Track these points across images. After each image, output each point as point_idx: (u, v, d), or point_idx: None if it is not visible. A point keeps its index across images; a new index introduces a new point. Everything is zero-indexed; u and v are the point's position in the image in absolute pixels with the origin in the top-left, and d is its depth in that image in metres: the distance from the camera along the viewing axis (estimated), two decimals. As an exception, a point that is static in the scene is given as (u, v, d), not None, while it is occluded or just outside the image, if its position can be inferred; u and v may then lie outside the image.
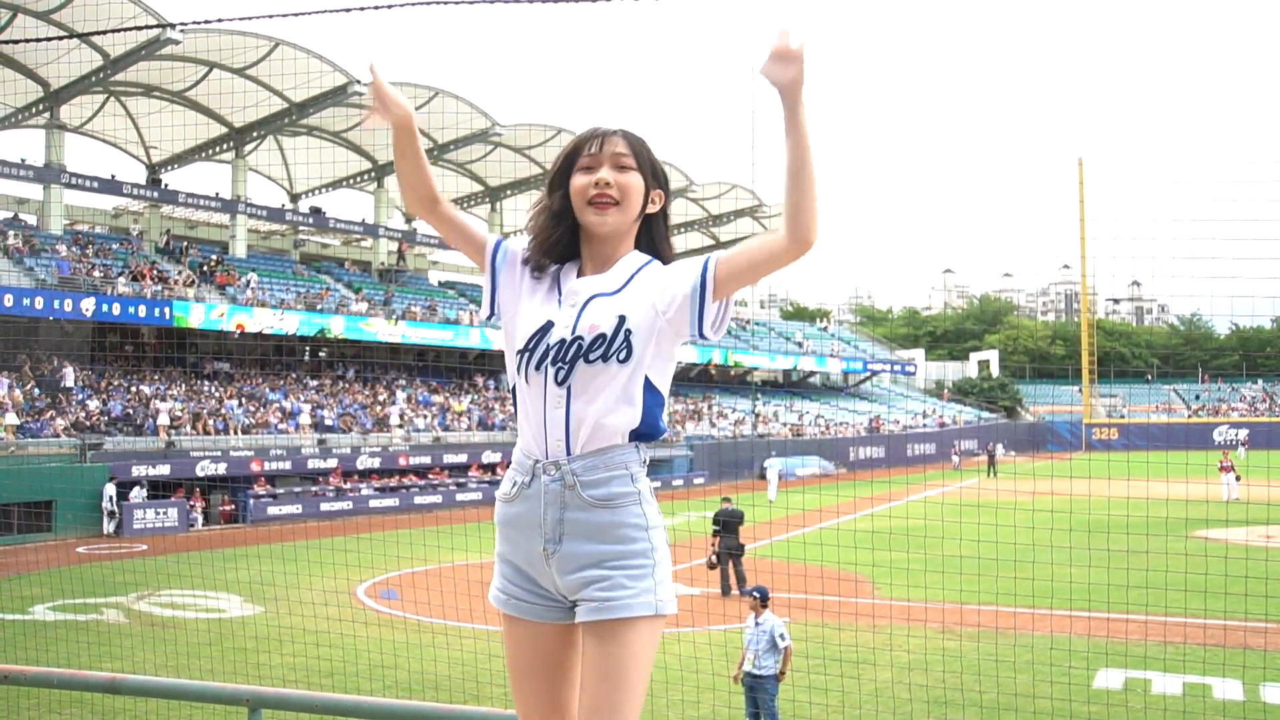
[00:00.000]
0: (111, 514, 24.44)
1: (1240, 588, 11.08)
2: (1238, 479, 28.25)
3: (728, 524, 15.75)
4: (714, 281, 2.25)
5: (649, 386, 2.29)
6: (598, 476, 2.26)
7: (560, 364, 2.25)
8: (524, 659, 2.35)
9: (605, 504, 2.26)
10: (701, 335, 2.29)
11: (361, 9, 6.05)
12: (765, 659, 8.62)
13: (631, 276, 2.33)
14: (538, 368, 2.28)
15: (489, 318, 2.42)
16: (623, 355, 2.24)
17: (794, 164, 2.15)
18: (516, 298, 2.39)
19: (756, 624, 8.77)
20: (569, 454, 2.27)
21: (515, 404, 2.40)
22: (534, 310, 2.33)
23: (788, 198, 2.17)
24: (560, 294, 2.34)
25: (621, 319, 2.25)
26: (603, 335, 2.24)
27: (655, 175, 2.37)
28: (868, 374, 64.85)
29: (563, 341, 2.26)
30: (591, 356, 2.24)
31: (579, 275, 2.37)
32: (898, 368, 67.07)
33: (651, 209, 2.38)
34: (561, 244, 2.38)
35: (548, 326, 2.29)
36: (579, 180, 2.32)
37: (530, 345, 2.29)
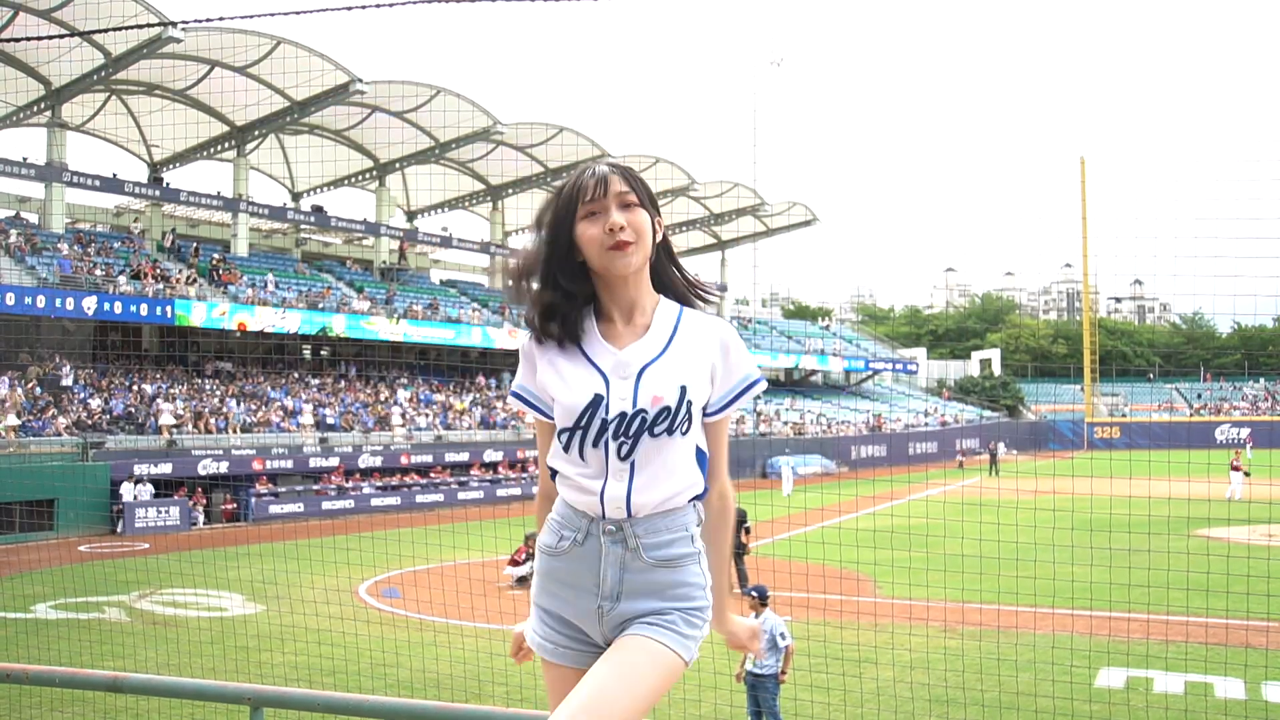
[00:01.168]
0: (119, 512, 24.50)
1: (1242, 586, 11.08)
2: (1246, 475, 28.27)
3: (729, 523, 15.72)
4: (718, 419, 2.33)
5: (699, 452, 2.30)
6: (661, 539, 2.23)
7: (623, 439, 2.18)
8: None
9: (667, 564, 2.23)
10: (705, 414, 2.31)
11: (363, 7, 6.05)
12: (766, 658, 8.62)
13: (673, 334, 2.27)
14: (596, 444, 2.20)
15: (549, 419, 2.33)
16: (685, 428, 2.22)
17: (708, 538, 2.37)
18: (545, 386, 2.29)
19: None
20: (629, 516, 2.22)
21: (550, 471, 2.32)
22: (573, 385, 2.23)
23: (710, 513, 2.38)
24: (592, 363, 2.24)
25: (683, 390, 2.21)
26: (667, 409, 2.19)
27: (654, 205, 2.31)
28: (869, 373, 64.84)
29: (623, 415, 2.18)
30: (656, 430, 2.19)
31: (604, 329, 2.28)
32: (899, 366, 67.05)
33: (658, 237, 2.33)
34: (568, 311, 2.28)
35: (598, 401, 2.20)
36: (588, 230, 2.22)
37: (583, 423, 2.21)
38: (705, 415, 2.29)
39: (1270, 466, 35.54)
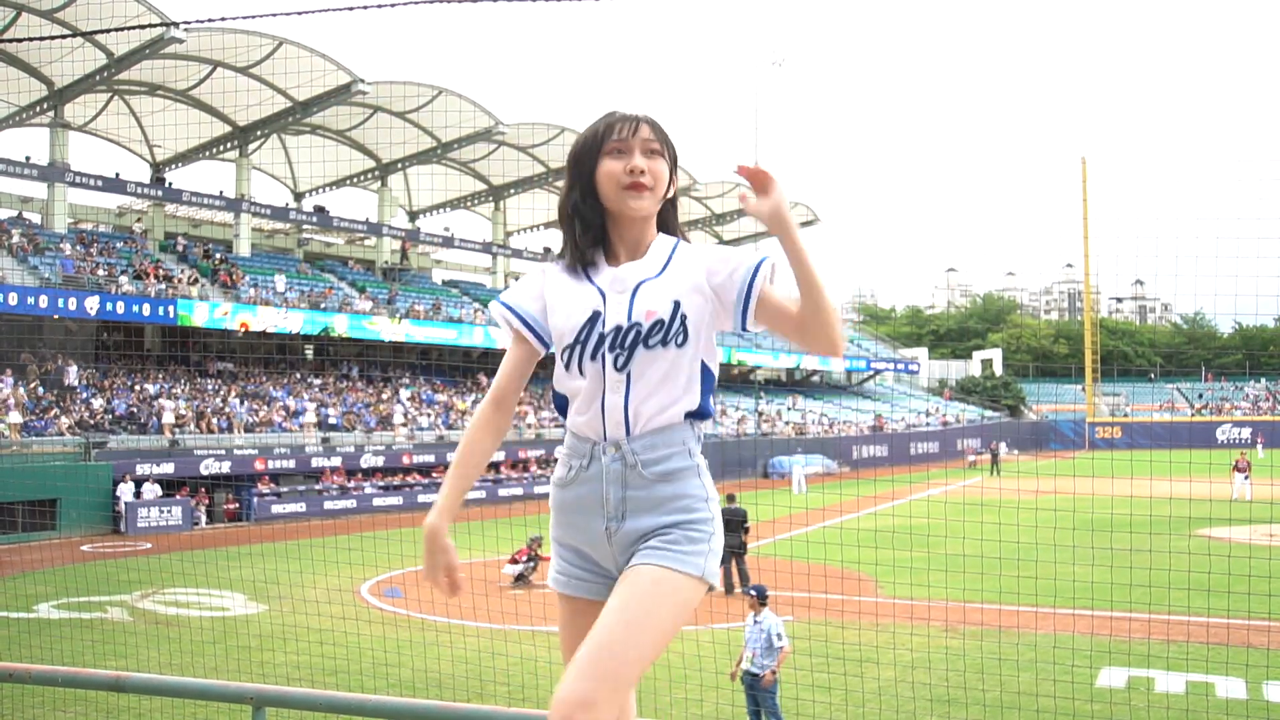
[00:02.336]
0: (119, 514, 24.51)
1: (1243, 586, 11.08)
2: (1246, 478, 28.25)
3: (729, 523, 15.76)
4: (756, 304, 2.29)
5: (704, 369, 2.34)
6: (658, 454, 2.29)
7: (619, 350, 2.27)
8: (582, 636, 2.28)
9: (666, 478, 2.29)
10: (744, 328, 2.33)
11: (365, 7, 6.06)
12: (764, 658, 8.63)
13: (669, 259, 2.37)
14: (594, 357, 2.29)
15: (548, 349, 2.42)
16: (680, 340, 2.28)
17: (804, 289, 2.22)
18: (551, 309, 2.39)
19: (756, 622, 8.78)
20: (629, 434, 2.29)
21: (558, 402, 2.41)
22: (572, 305, 2.33)
23: (804, 309, 2.24)
24: (593, 283, 2.34)
25: (676, 304, 2.29)
26: (660, 321, 2.27)
27: (674, 162, 2.41)
28: (871, 373, 64.81)
29: (619, 328, 2.28)
30: (651, 342, 2.27)
31: (608, 260, 2.38)
32: (901, 366, 67.02)
33: (671, 191, 2.44)
34: (598, 229, 2.39)
35: (595, 317, 2.30)
36: (611, 165, 2.33)
37: (581, 338, 2.30)
38: (743, 326, 2.31)
39: (1271, 467, 35.55)
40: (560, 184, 2.45)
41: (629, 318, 2.28)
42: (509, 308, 2.43)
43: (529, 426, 37.44)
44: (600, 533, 2.32)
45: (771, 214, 2.19)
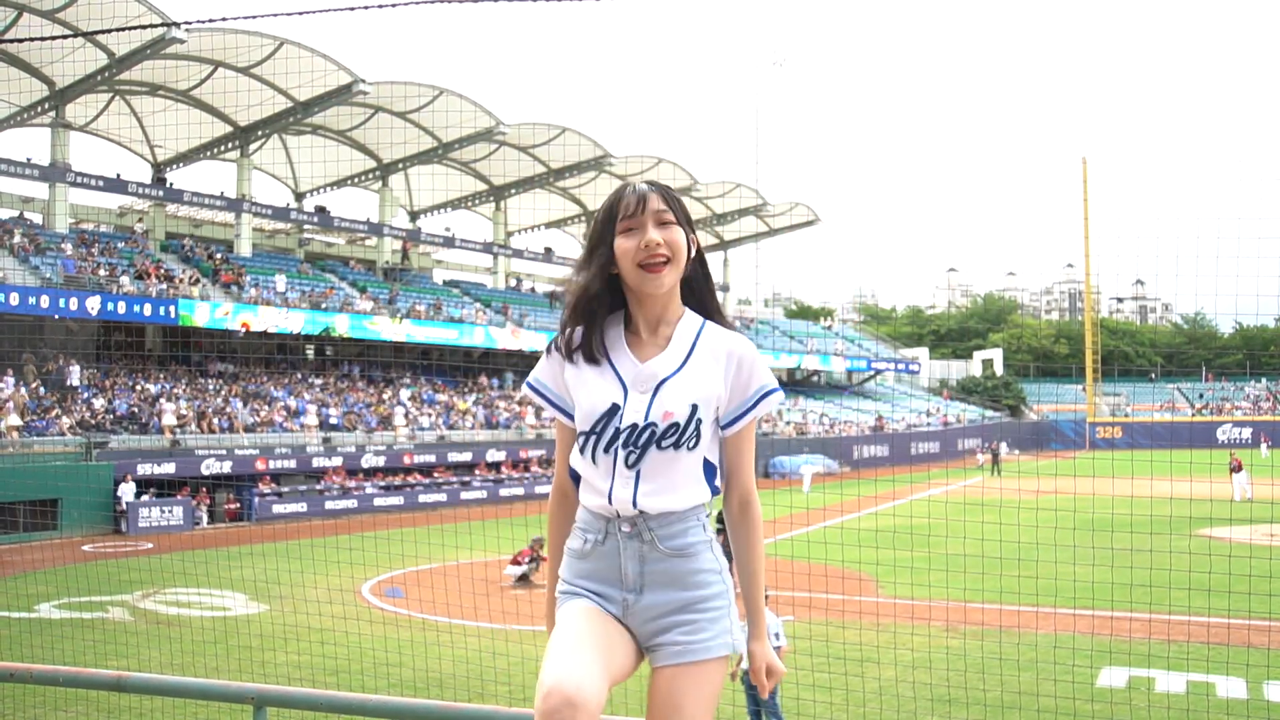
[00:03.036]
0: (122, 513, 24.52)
1: (1244, 586, 11.08)
2: (1238, 472, 28.29)
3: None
4: (753, 418, 2.38)
5: (707, 465, 2.38)
6: (674, 529, 2.34)
7: (632, 449, 2.30)
8: (595, 622, 2.32)
9: (682, 553, 2.35)
10: (722, 430, 2.40)
11: (365, 7, 6.07)
12: None
13: (692, 348, 2.36)
14: (607, 450, 2.32)
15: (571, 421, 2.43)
16: (692, 443, 2.32)
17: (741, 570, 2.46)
18: (573, 388, 2.40)
19: None
20: (641, 514, 2.34)
21: (572, 470, 2.45)
22: (595, 393, 2.34)
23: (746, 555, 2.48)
24: (615, 372, 2.35)
25: (694, 408, 2.31)
26: (676, 425, 2.30)
27: (689, 223, 2.39)
28: (871, 373, 64.80)
29: (634, 426, 2.30)
30: (664, 444, 2.30)
31: (630, 340, 2.38)
32: (901, 366, 67.00)
33: (693, 253, 2.41)
34: (603, 317, 2.39)
35: (614, 410, 2.32)
36: (625, 244, 2.32)
37: (598, 429, 2.32)
38: (722, 429, 2.38)
39: (1272, 467, 35.53)
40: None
41: (646, 417, 2.30)
42: (536, 390, 2.47)
43: (530, 426, 37.46)
44: (619, 601, 2.37)
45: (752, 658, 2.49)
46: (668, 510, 2.33)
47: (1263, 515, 21.78)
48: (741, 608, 2.48)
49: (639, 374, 2.33)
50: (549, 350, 2.45)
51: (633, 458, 2.30)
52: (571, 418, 2.41)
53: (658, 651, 2.34)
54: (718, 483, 2.41)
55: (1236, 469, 28.48)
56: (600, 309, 2.38)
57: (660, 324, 2.38)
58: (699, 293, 2.44)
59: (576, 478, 2.44)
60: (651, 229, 2.31)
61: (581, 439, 2.35)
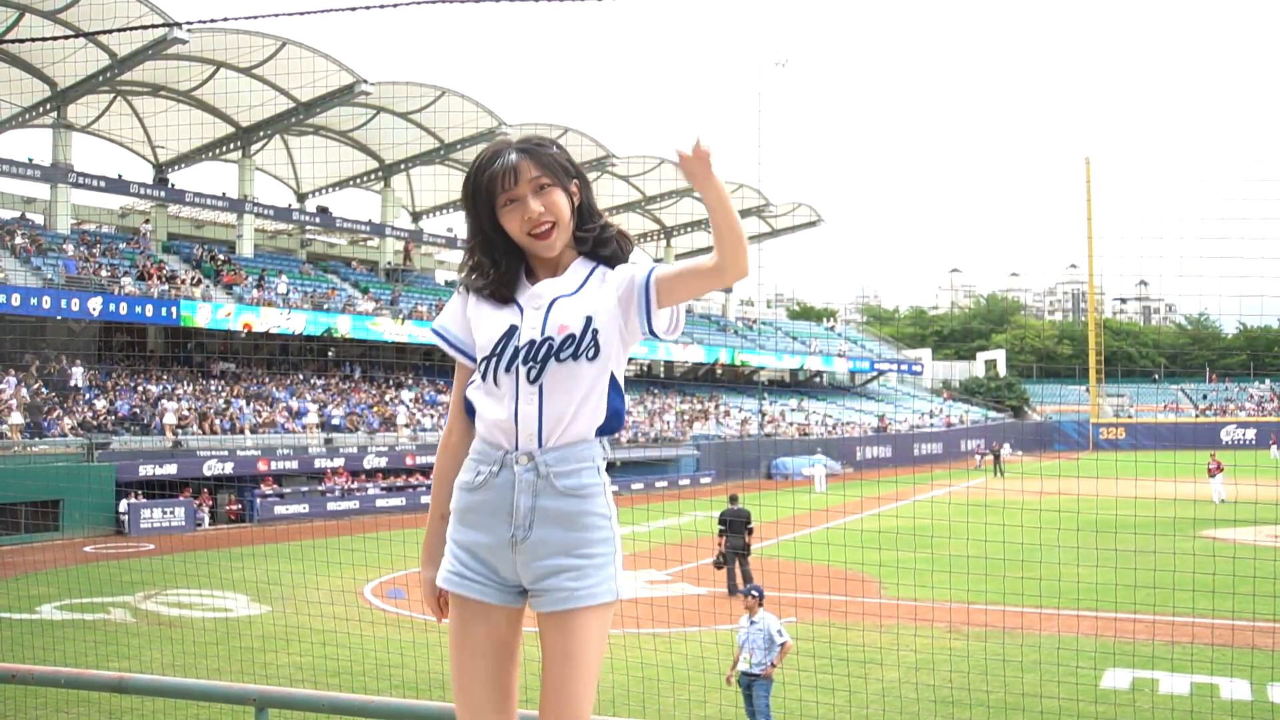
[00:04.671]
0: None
1: (1248, 587, 11.04)
2: (1216, 474, 28.13)
3: (733, 524, 15.74)
4: (656, 292, 2.35)
5: (613, 383, 2.40)
6: (569, 467, 2.35)
7: (531, 363, 2.33)
8: (475, 639, 2.40)
9: (576, 493, 2.35)
10: (652, 333, 2.39)
11: (367, 8, 6.05)
12: (762, 657, 8.62)
13: (586, 278, 2.42)
14: (508, 369, 2.35)
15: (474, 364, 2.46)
16: (591, 354, 2.34)
17: (714, 214, 2.25)
18: (472, 320, 2.46)
19: (752, 623, 8.76)
20: (541, 446, 2.34)
21: (468, 403, 2.45)
22: (492, 320, 2.40)
23: (716, 236, 2.28)
24: (514, 300, 2.41)
25: (589, 319, 2.35)
26: (572, 335, 2.33)
27: (566, 173, 2.41)
28: (874, 373, 64.76)
29: (532, 342, 2.34)
30: (562, 355, 2.33)
31: (529, 279, 2.45)
32: (904, 367, 66.97)
33: (575, 201, 2.43)
34: (512, 271, 2.45)
35: (512, 331, 2.36)
36: (510, 221, 2.38)
37: (497, 350, 2.36)
38: (651, 333, 2.38)
39: (1277, 467, 35.44)
40: (472, 162, 2.46)
41: (542, 332, 2.34)
42: (439, 334, 2.54)
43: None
44: (505, 539, 2.36)
45: (703, 177, 2.19)
46: (569, 435, 2.34)
47: (1267, 517, 21.72)
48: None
49: (532, 293, 2.39)
50: (457, 290, 2.54)
51: (534, 372, 2.32)
52: (473, 359, 2.45)
53: (542, 597, 2.35)
54: (617, 403, 2.41)
55: (1215, 471, 28.37)
56: (501, 266, 2.44)
57: (556, 268, 2.44)
58: (592, 245, 2.45)
59: (473, 413, 2.44)
60: (531, 200, 2.35)
61: (482, 365, 2.38)
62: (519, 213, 2.36)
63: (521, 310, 2.38)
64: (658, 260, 57.53)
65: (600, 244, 2.46)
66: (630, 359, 2.63)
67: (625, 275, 2.40)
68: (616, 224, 2.53)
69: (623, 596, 2.41)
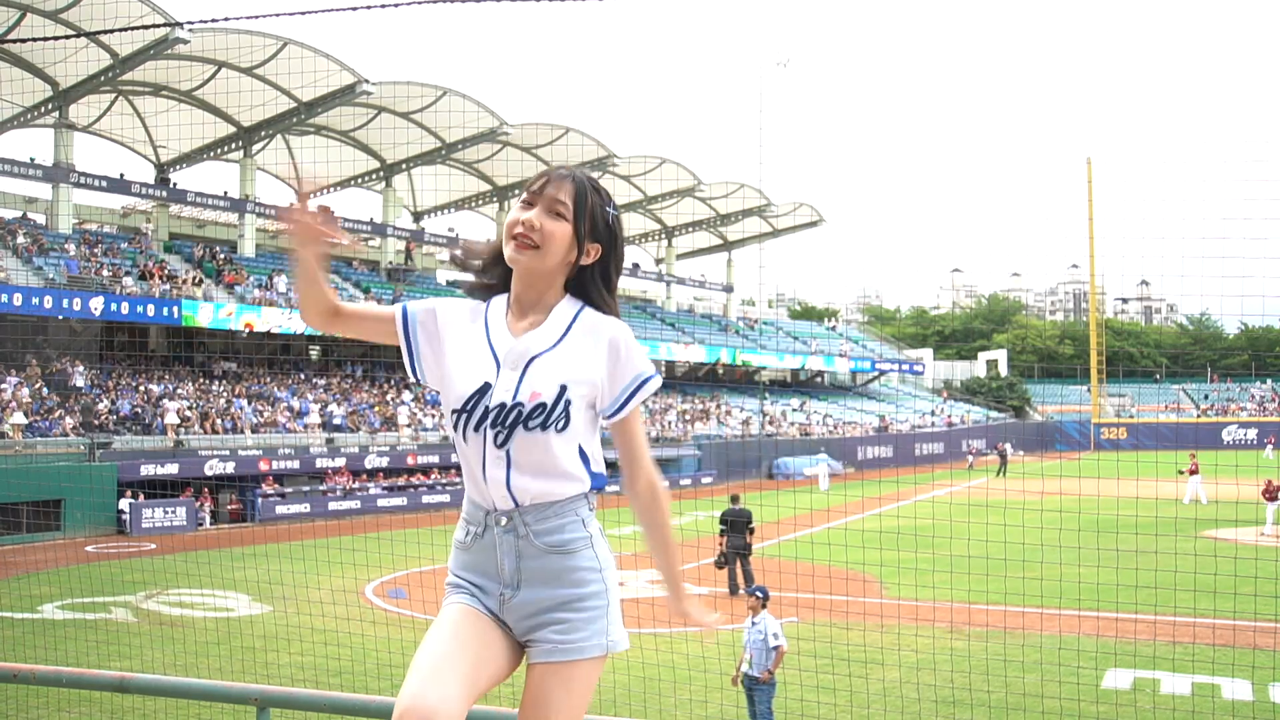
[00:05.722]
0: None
1: (1250, 588, 11.04)
2: (1193, 474, 27.96)
3: (734, 524, 15.73)
4: (637, 403, 2.35)
5: (582, 454, 2.33)
6: (550, 525, 2.31)
7: (500, 428, 2.27)
8: (465, 631, 2.31)
9: (560, 550, 2.31)
10: (608, 419, 2.36)
11: (369, 7, 6.05)
12: (763, 659, 8.62)
13: (568, 329, 2.34)
14: (476, 429, 2.29)
15: (416, 382, 2.42)
16: (560, 426, 2.27)
17: (649, 537, 2.47)
18: (441, 355, 2.39)
19: (753, 624, 8.76)
20: (517, 506, 2.30)
21: (456, 451, 2.41)
22: (468, 369, 2.32)
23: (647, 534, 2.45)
24: (491, 343, 2.34)
25: (563, 389, 2.27)
26: (543, 404, 2.26)
27: (594, 229, 2.35)
28: (876, 373, 64.75)
29: (503, 405, 2.27)
30: (530, 424, 2.26)
31: (509, 316, 2.38)
32: (906, 367, 66.96)
33: (585, 261, 2.37)
34: (497, 272, 2.44)
35: (485, 389, 2.29)
36: (513, 214, 2.35)
37: (468, 407, 2.30)
38: (606, 418, 2.36)
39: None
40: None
41: (514, 396, 2.27)
42: (405, 316, 2.44)
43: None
44: (496, 596, 2.35)
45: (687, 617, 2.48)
46: (543, 500, 2.29)
47: (1247, 517, 21.68)
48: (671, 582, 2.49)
49: (512, 349, 2.31)
50: (441, 299, 2.48)
51: (500, 438, 2.27)
52: (411, 359, 2.42)
53: (532, 648, 2.33)
54: (595, 470, 2.36)
55: (1193, 471, 28.24)
56: (489, 265, 2.45)
57: (536, 306, 2.37)
58: (584, 286, 2.40)
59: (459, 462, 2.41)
60: (538, 212, 2.31)
61: (454, 418, 2.32)
62: (521, 213, 2.33)
63: (498, 366, 2.30)
64: (659, 260, 57.55)
65: (587, 286, 2.39)
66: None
67: (628, 355, 2.33)
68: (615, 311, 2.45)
69: (616, 650, 2.35)
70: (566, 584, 2.31)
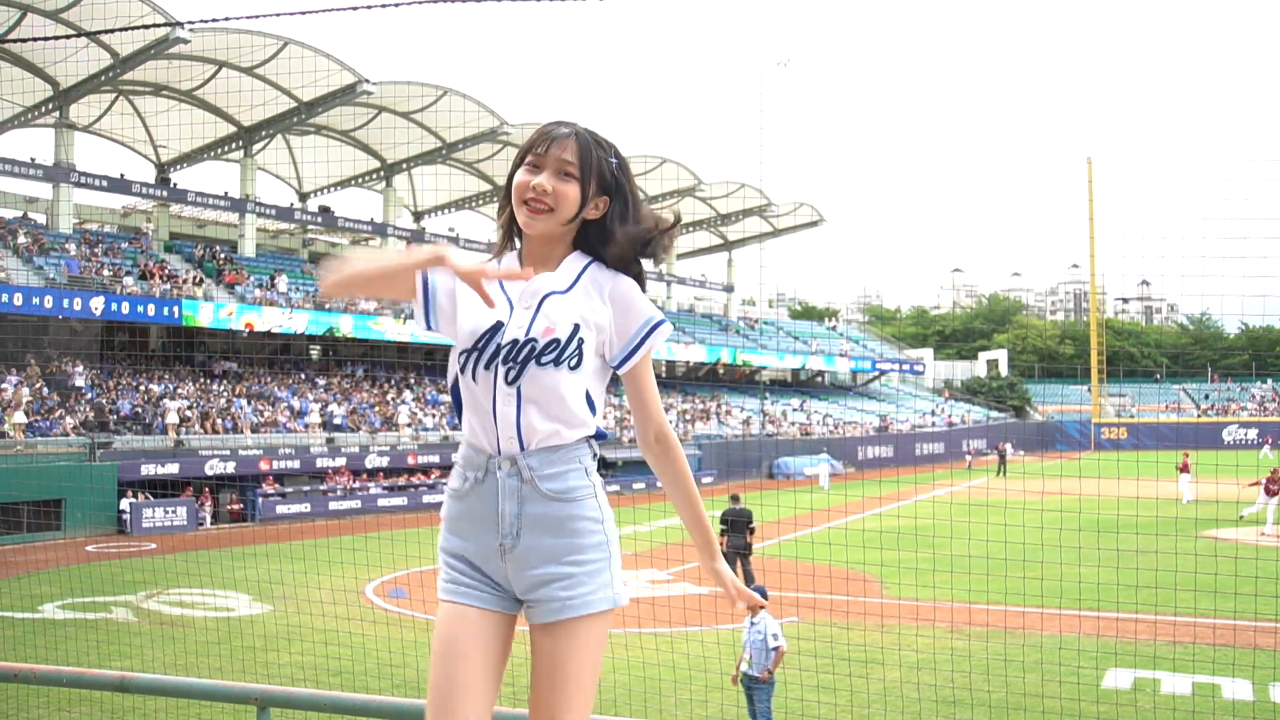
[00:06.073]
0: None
1: (1250, 588, 11.03)
2: (1184, 473, 27.81)
3: (734, 523, 15.73)
4: (648, 349, 2.34)
5: (589, 398, 2.33)
6: (555, 470, 2.29)
7: (511, 364, 2.26)
8: (464, 640, 2.30)
9: (562, 497, 2.29)
10: (618, 370, 2.36)
11: (369, 7, 6.05)
12: (762, 659, 8.62)
13: (579, 276, 2.34)
14: (487, 366, 2.28)
15: (427, 328, 2.41)
16: (574, 363, 2.27)
17: (681, 507, 2.48)
18: (454, 301, 2.37)
19: (752, 624, 8.77)
20: (523, 449, 2.28)
21: (455, 399, 2.38)
22: (480, 309, 2.30)
23: (673, 483, 2.46)
24: (504, 291, 2.32)
25: (576, 327, 2.27)
26: (556, 340, 2.26)
27: (601, 183, 2.35)
28: (876, 373, 64.75)
29: (515, 341, 2.26)
30: (544, 359, 2.25)
31: (520, 267, 2.36)
32: (906, 367, 66.95)
33: (593, 214, 2.36)
34: (511, 232, 2.43)
35: (498, 327, 2.28)
36: (520, 178, 2.32)
37: (479, 345, 2.29)
38: (617, 367, 2.35)
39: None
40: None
41: (527, 331, 2.26)
42: (425, 282, 2.40)
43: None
44: (494, 548, 2.30)
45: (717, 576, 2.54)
46: (549, 444, 2.28)
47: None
48: (697, 532, 2.52)
49: (525, 289, 2.30)
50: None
51: (512, 373, 2.25)
52: (426, 310, 2.39)
53: (535, 608, 2.30)
54: (599, 417, 2.37)
55: (1182, 470, 28.06)
56: (509, 221, 2.41)
57: (546, 262, 2.36)
58: (589, 241, 2.39)
59: (458, 403, 2.37)
60: (548, 175, 2.30)
61: (463, 358, 2.30)
62: (529, 177, 2.30)
63: (511, 306, 2.30)
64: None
65: (604, 241, 2.37)
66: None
67: (632, 302, 2.34)
68: (663, 219, 2.43)
69: (621, 604, 2.33)
70: (568, 533, 2.28)
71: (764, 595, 8.95)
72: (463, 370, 2.31)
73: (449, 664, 2.29)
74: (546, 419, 2.27)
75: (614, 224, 2.38)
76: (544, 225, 2.31)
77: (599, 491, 2.35)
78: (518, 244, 2.44)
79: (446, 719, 2.25)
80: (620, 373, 2.37)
